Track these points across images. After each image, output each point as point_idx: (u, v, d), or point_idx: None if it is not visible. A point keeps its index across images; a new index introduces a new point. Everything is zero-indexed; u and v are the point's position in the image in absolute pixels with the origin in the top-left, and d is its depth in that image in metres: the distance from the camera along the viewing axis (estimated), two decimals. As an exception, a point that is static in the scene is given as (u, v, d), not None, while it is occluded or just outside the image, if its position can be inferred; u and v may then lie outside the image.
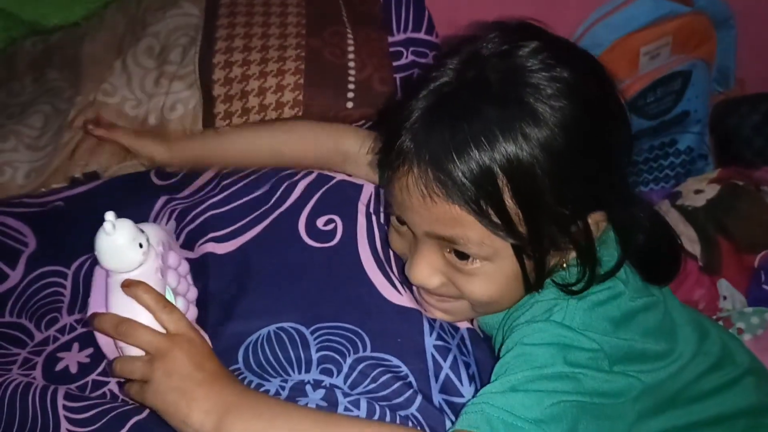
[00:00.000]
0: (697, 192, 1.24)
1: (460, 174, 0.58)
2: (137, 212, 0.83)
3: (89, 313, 0.63)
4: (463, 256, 0.63)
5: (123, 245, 0.59)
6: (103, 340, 0.63)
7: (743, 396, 0.74)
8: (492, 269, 0.64)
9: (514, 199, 0.59)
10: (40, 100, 1.04)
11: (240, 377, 0.66)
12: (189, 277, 0.71)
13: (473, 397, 0.60)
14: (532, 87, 0.59)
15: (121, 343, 0.61)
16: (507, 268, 0.63)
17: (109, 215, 0.59)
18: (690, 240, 1.17)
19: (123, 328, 0.61)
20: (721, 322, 1.05)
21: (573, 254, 0.65)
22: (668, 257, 0.73)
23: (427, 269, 0.66)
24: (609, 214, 0.65)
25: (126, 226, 0.60)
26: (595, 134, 0.61)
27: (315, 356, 0.66)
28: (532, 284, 0.64)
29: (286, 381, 0.65)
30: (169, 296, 0.64)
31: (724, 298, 1.14)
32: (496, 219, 0.59)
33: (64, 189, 0.96)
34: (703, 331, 0.74)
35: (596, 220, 0.65)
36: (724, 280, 1.14)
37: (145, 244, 0.61)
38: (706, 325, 0.76)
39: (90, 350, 0.72)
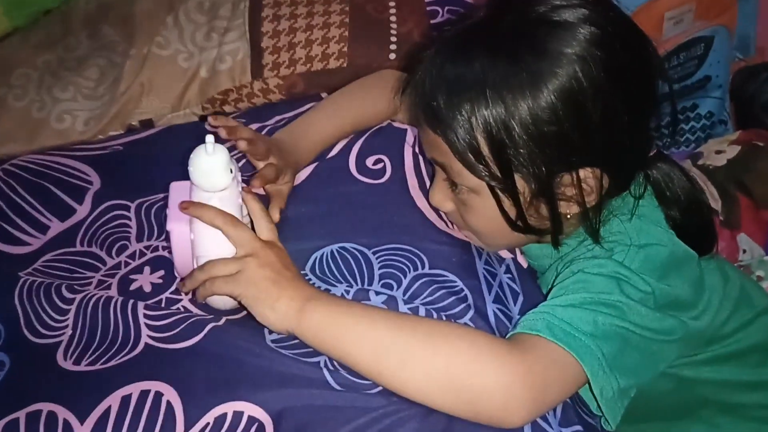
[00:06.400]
0: (718, 152, 1.27)
1: (439, 108, 0.65)
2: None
3: (168, 224, 0.67)
4: (453, 183, 0.70)
5: (218, 166, 0.65)
6: (180, 250, 0.68)
7: (757, 334, 0.78)
8: (479, 202, 0.69)
9: (486, 140, 0.64)
10: (96, 54, 1.09)
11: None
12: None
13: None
14: (536, 38, 0.63)
15: (200, 254, 0.67)
16: (490, 205, 0.67)
17: (210, 138, 0.65)
18: (711, 197, 1.21)
19: (228, 219, 0.65)
20: (741, 269, 1.10)
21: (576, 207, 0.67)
22: (704, 227, 0.75)
23: (441, 194, 0.73)
24: (613, 173, 0.66)
25: (224, 150, 0.66)
26: (590, 96, 0.62)
27: (377, 272, 0.72)
28: (516, 225, 0.68)
29: (351, 286, 0.71)
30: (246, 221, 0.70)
31: (744, 251, 1.19)
32: (469, 156, 0.65)
33: (122, 136, 1.01)
34: (724, 275, 0.78)
35: (593, 176, 0.66)
36: (743, 234, 1.19)
37: (234, 170, 0.67)
38: (726, 269, 0.80)
39: (161, 272, 0.77)
